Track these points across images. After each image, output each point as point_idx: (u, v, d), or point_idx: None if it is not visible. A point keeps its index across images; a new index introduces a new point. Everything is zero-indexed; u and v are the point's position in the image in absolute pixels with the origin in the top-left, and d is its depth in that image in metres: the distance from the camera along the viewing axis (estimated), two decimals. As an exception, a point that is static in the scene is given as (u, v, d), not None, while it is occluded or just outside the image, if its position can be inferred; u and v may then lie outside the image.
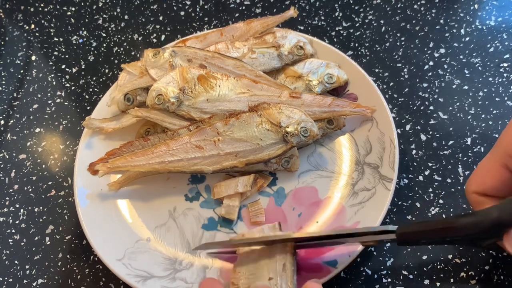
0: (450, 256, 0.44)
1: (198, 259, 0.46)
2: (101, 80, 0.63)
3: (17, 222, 0.53)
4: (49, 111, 0.61)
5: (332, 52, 0.54)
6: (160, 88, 0.49)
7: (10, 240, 0.52)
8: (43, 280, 0.49)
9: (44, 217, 0.53)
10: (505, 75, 0.55)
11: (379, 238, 0.38)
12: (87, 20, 0.69)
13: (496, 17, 0.60)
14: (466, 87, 0.54)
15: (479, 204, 0.37)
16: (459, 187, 0.48)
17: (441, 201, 0.47)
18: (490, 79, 0.54)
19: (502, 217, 0.32)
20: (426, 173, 0.49)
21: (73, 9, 0.71)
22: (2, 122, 0.61)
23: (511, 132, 0.36)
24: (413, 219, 0.47)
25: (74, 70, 0.65)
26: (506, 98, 0.53)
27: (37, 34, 0.69)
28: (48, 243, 0.51)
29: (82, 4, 0.71)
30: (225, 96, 0.50)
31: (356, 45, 0.60)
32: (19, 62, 0.67)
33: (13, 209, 0.54)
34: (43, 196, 0.54)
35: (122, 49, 0.65)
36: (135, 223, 0.49)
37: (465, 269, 0.44)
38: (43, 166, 0.57)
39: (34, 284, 0.49)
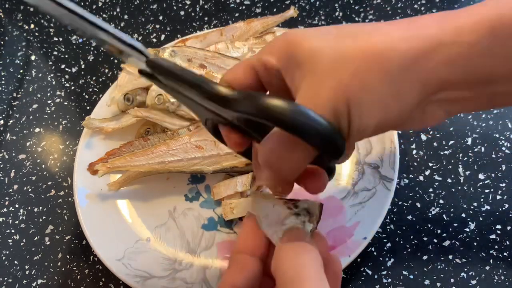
0: (450, 256, 0.44)
1: (198, 259, 0.46)
2: (101, 80, 0.63)
3: (16, 222, 0.53)
4: (49, 111, 0.61)
5: (332, 52, 0.54)
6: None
7: (10, 240, 0.52)
8: (43, 280, 0.49)
9: (44, 217, 0.53)
10: (505, 75, 0.54)
11: (126, 50, 0.31)
12: (87, 20, 0.69)
13: (496, 17, 0.59)
14: (466, 87, 0.54)
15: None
16: (459, 187, 0.48)
17: (441, 201, 0.47)
18: (490, 79, 0.54)
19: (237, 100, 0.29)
20: (427, 173, 0.49)
21: (73, 9, 0.71)
22: (2, 122, 0.61)
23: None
24: (413, 219, 0.47)
25: (74, 70, 0.65)
26: (506, 98, 0.53)
27: (37, 34, 0.69)
28: (48, 243, 0.51)
29: (82, 4, 0.71)
30: (225, 96, 0.50)
31: (356, 45, 0.60)
32: (19, 62, 0.67)
33: (13, 209, 0.54)
34: (43, 196, 0.54)
35: (122, 49, 0.65)
36: (135, 223, 0.49)
37: (465, 269, 0.44)
38: (43, 166, 0.57)
39: (34, 284, 0.49)
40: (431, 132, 0.52)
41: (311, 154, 0.30)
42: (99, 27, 0.31)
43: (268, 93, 0.34)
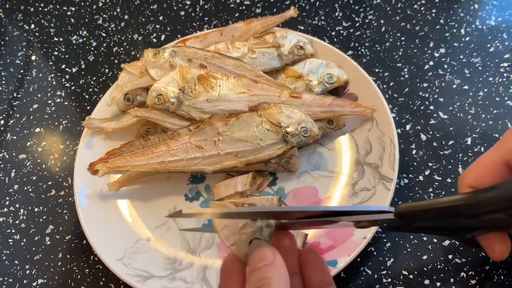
0: (450, 256, 0.44)
1: (198, 259, 0.46)
2: (101, 80, 0.63)
3: (17, 222, 0.53)
4: (49, 111, 0.61)
5: (332, 52, 0.54)
6: (160, 88, 0.49)
7: (10, 240, 0.52)
8: (43, 280, 0.49)
9: (44, 217, 0.53)
10: (505, 75, 0.55)
11: (374, 217, 0.35)
12: (87, 20, 0.69)
13: (496, 17, 0.60)
14: (466, 87, 0.54)
15: None
16: (459, 187, 0.48)
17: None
18: (490, 79, 0.54)
19: None
20: (426, 173, 0.49)
21: (73, 9, 0.71)
22: (2, 122, 0.61)
23: None
24: (413, 219, 0.47)
25: (74, 70, 0.65)
26: (506, 98, 0.53)
27: (37, 34, 0.69)
28: (48, 243, 0.51)
29: (82, 4, 0.71)
30: (225, 96, 0.50)
31: (356, 45, 0.60)
32: (19, 62, 0.67)
33: (13, 209, 0.54)
34: (43, 196, 0.54)
35: (122, 49, 0.65)
36: (135, 223, 0.49)
37: (465, 269, 0.44)
38: (43, 166, 0.57)
39: (34, 284, 0.49)
40: (430, 132, 0.52)
41: None
42: (343, 213, 0.34)
43: None
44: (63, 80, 0.64)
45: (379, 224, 0.36)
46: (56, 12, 0.71)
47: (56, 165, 0.57)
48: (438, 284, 0.43)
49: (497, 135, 0.50)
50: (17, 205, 0.54)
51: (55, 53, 0.67)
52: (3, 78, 0.65)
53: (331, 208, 0.35)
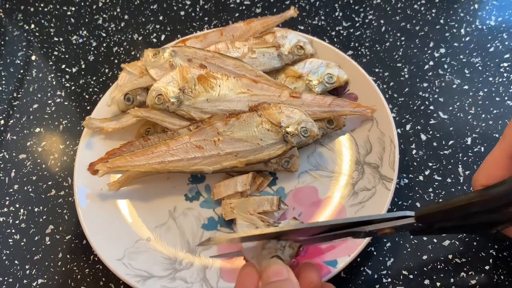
0: (450, 256, 0.44)
1: (198, 259, 0.46)
2: (101, 80, 0.63)
3: (17, 222, 0.53)
4: (49, 111, 0.61)
5: (332, 52, 0.54)
6: (160, 88, 0.49)
7: (10, 240, 0.52)
8: (43, 280, 0.49)
9: (44, 217, 0.53)
10: (505, 75, 0.55)
11: (396, 224, 0.36)
12: (87, 20, 0.69)
13: (496, 17, 0.60)
14: (466, 87, 0.54)
15: None
16: (459, 187, 0.48)
17: (441, 201, 0.47)
18: (490, 79, 0.54)
19: None
20: (426, 173, 0.49)
21: (73, 9, 0.71)
22: (2, 122, 0.61)
23: None
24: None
25: (74, 70, 0.65)
26: (506, 98, 0.53)
27: (37, 34, 0.69)
28: (48, 243, 0.51)
29: (82, 4, 0.71)
30: (225, 96, 0.50)
31: (356, 45, 0.60)
32: (19, 62, 0.67)
33: (13, 209, 0.54)
34: (43, 196, 0.54)
35: (122, 49, 0.65)
36: (135, 223, 0.49)
37: (465, 269, 0.44)
38: (43, 166, 0.57)
39: (34, 284, 0.49)
40: (431, 132, 0.52)
41: None
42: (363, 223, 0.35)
43: None
44: (63, 80, 0.64)
45: (401, 230, 0.36)
46: (56, 12, 0.71)
47: (56, 165, 0.57)
48: (438, 284, 0.43)
49: (497, 135, 0.51)
50: (17, 205, 0.54)
51: (55, 53, 0.67)
52: (3, 78, 0.65)
53: (353, 219, 0.36)
